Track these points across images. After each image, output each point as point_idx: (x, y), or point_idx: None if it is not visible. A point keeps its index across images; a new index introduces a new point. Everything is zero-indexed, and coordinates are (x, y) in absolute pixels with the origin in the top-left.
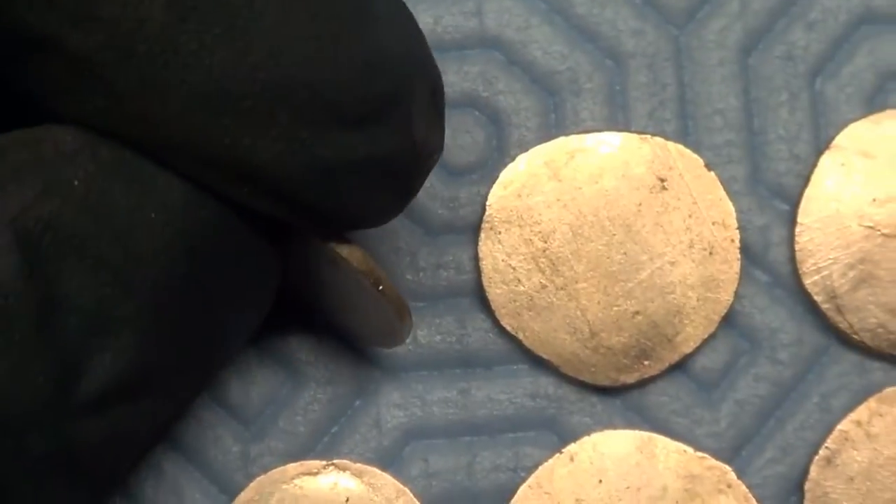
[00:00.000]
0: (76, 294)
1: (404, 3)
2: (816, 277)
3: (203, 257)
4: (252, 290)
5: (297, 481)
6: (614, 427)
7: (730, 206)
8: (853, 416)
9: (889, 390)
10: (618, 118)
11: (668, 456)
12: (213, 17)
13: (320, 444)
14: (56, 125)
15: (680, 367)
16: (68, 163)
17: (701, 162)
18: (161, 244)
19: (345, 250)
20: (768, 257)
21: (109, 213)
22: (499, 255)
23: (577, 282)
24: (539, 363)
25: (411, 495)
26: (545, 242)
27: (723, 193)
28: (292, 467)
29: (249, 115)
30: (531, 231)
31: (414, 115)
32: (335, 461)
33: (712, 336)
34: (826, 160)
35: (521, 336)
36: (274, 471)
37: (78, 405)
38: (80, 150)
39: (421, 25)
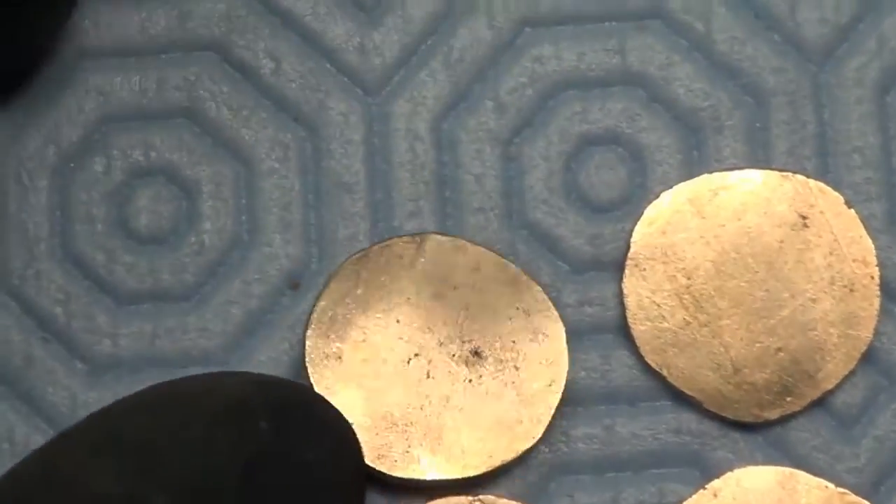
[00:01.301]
0: None
1: None
2: None
3: None
4: None
5: None
6: (756, 463)
7: (870, 244)
8: None
9: None
10: (758, 155)
11: (810, 492)
12: None
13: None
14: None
15: (820, 403)
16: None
17: (841, 199)
18: None
19: None
20: None
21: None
22: (643, 291)
23: (720, 318)
24: (682, 399)
25: None
26: (689, 279)
27: (863, 231)
28: (439, 503)
29: None
30: (675, 268)
31: None
32: (481, 497)
33: (852, 373)
34: None
35: (665, 372)
36: None
37: None
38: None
39: (564, 62)
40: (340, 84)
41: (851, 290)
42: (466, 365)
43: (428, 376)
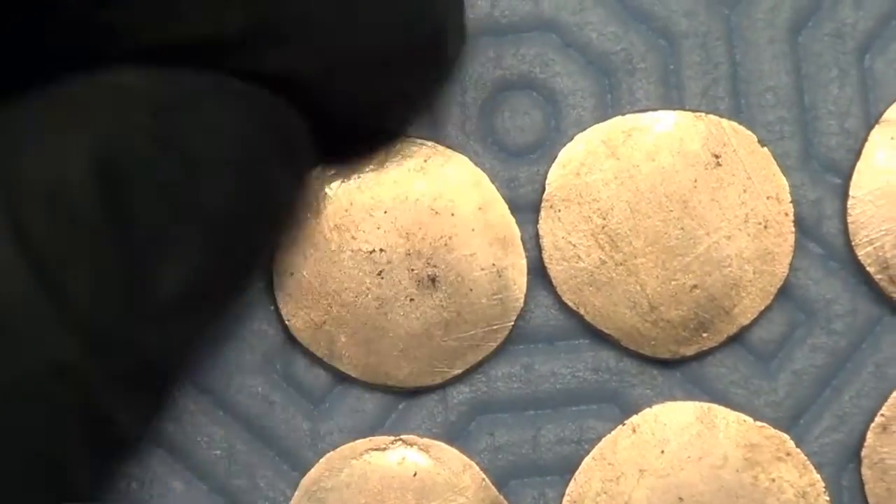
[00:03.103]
0: (144, 212)
1: None
2: (869, 249)
3: (254, 171)
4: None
5: (365, 457)
6: (675, 399)
7: (783, 181)
8: None
9: None
10: (672, 97)
11: (728, 426)
12: None
13: (388, 421)
14: (119, 67)
15: (738, 339)
16: (136, 99)
17: (754, 138)
18: (216, 165)
19: None
20: (822, 230)
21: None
22: (559, 232)
23: (636, 257)
24: (600, 337)
25: (477, 469)
26: (604, 219)
27: (776, 169)
28: (361, 443)
29: None
30: (590, 208)
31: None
32: (403, 437)
33: (769, 308)
34: (876, 134)
35: (582, 311)
36: (343, 447)
37: (151, 312)
38: (144, 88)
39: (478, 10)
40: None
41: (766, 227)
42: (418, 285)
43: (379, 274)
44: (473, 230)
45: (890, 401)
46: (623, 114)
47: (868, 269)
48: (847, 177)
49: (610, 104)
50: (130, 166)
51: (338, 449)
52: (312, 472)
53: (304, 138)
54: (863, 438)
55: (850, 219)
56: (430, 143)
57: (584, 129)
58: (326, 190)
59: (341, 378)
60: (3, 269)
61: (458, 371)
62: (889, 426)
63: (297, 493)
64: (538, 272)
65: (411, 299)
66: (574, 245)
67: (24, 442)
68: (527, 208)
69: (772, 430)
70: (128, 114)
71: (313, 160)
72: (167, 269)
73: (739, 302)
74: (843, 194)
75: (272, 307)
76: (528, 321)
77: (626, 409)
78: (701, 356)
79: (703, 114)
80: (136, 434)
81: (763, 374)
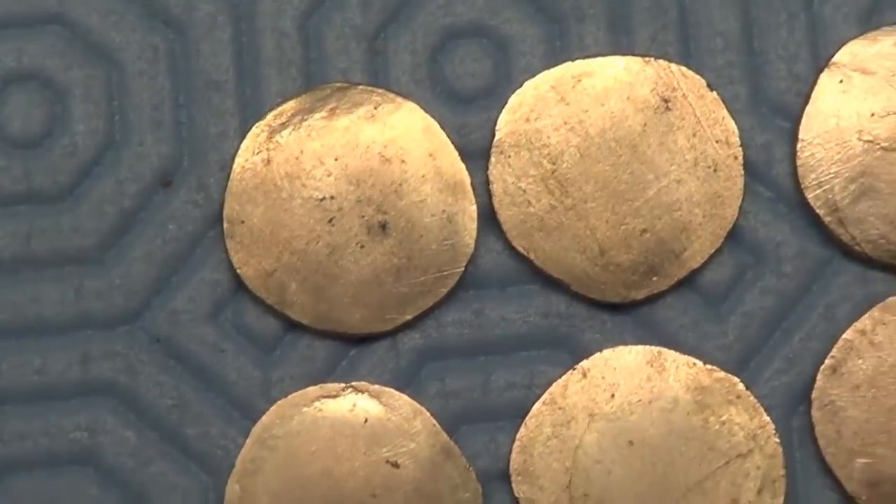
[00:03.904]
0: None
1: None
2: (818, 192)
3: None
4: None
5: (316, 404)
6: (625, 343)
7: (732, 125)
8: (857, 325)
9: (892, 299)
10: (622, 43)
11: (678, 369)
12: None
13: (339, 368)
14: None
15: (687, 282)
16: None
17: (703, 82)
18: None
19: None
20: (771, 173)
21: None
22: (509, 178)
23: (585, 202)
24: (550, 282)
25: (428, 415)
26: (554, 164)
27: (725, 112)
28: (312, 390)
29: None
30: (540, 154)
31: None
32: (353, 383)
33: (718, 251)
34: (825, 78)
35: (532, 256)
36: (294, 394)
37: None
38: None
39: None
40: None
41: (715, 171)
42: (368, 232)
43: (330, 221)
44: (424, 176)
45: (839, 343)
46: (572, 59)
47: (817, 211)
48: (796, 120)
49: (559, 50)
50: None
51: (288, 396)
52: (263, 420)
53: None
54: (812, 381)
55: (799, 162)
56: (380, 91)
57: (534, 75)
58: (277, 138)
59: (292, 326)
60: None
61: (408, 317)
62: (839, 368)
63: (248, 441)
64: (488, 218)
65: (362, 246)
66: (524, 190)
67: None
68: (477, 154)
69: (722, 373)
70: None
71: None
72: None
73: (689, 245)
74: (793, 138)
75: (223, 255)
76: (478, 267)
77: (576, 353)
78: (651, 300)
79: (652, 59)
80: None
81: (713, 318)
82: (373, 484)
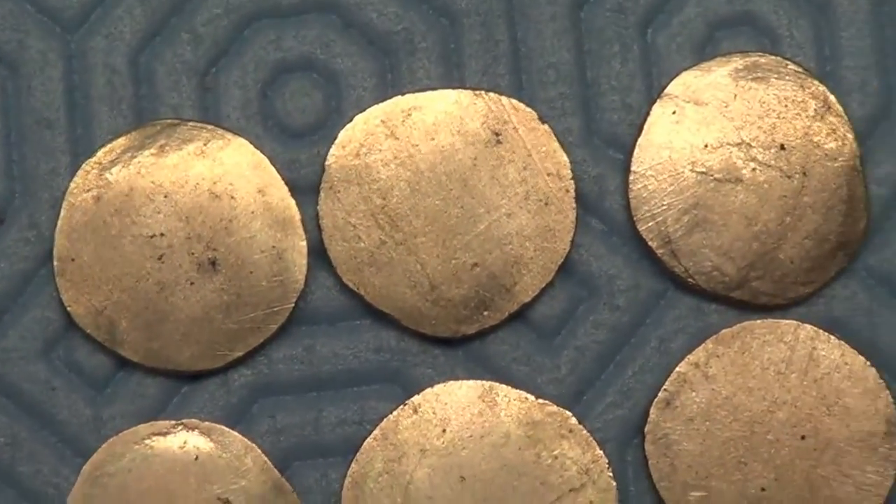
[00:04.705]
0: None
1: None
2: (651, 224)
3: None
4: None
5: (147, 441)
6: (457, 377)
7: (564, 157)
8: (691, 358)
9: (725, 332)
10: (453, 76)
11: (510, 404)
12: None
13: (171, 405)
14: None
15: (520, 316)
16: None
17: (534, 115)
18: None
19: None
20: (604, 206)
21: None
22: (339, 213)
23: (416, 237)
24: (381, 317)
25: (259, 451)
26: (384, 199)
27: (557, 145)
28: (143, 428)
29: None
30: (370, 189)
31: None
32: (184, 420)
33: (551, 285)
34: (658, 109)
35: (362, 291)
36: (125, 432)
37: None
38: None
39: None
40: (39, 23)
41: (546, 204)
42: (198, 269)
43: (160, 258)
44: (253, 213)
45: (673, 376)
46: (403, 93)
47: (650, 243)
48: (629, 152)
49: (391, 84)
50: None
51: (120, 434)
52: (94, 458)
53: None
54: (646, 414)
55: (631, 194)
56: (210, 127)
57: (365, 109)
58: (107, 175)
59: (123, 363)
60: None
61: (239, 353)
62: (672, 401)
63: (79, 480)
64: (319, 253)
65: (192, 283)
66: (354, 226)
67: None
68: (308, 190)
69: (554, 407)
70: None
71: None
72: None
73: (520, 279)
74: (625, 169)
75: (54, 293)
76: (309, 302)
77: (408, 388)
78: (483, 334)
79: (482, 92)
80: None
81: (546, 352)
82: None
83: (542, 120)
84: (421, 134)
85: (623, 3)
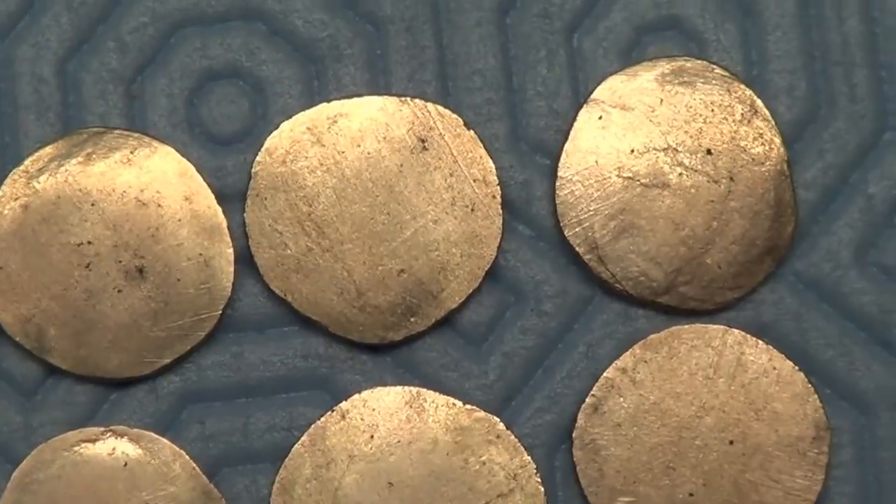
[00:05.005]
0: None
1: None
2: (578, 229)
3: None
4: None
5: (77, 448)
6: (385, 384)
7: (490, 163)
8: (618, 363)
9: (653, 337)
10: (379, 82)
11: (438, 410)
12: None
13: (100, 412)
14: None
15: (447, 322)
16: None
17: (460, 121)
18: None
19: None
20: (531, 211)
21: None
22: (265, 220)
23: (342, 243)
24: (309, 324)
25: (188, 458)
26: (310, 206)
27: (483, 151)
28: (72, 435)
29: None
30: (296, 196)
31: None
32: (113, 427)
33: (478, 291)
34: (584, 114)
35: (290, 298)
36: (54, 439)
37: None
38: None
39: (184, 0)
40: None
41: (473, 210)
42: (126, 277)
43: (87, 266)
44: (180, 220)
45: (601, 381)
46: (329, 100)
47: (577, 249)
48: (555, 157)
49: (317, 91)
50: None
51: (49, 441)
52: (24, 465)
53: None
54: (574, 420)
55: (558, 200)
56: (136, 135)
57: (291, 116)
58: (34, 184)
59: (52, 370)
60: None
61: (167, 361)
62: (600, 407)
63: (9, 486)
64: (246, 261)
65: (119, 291)
66: (280, 233)
67: None
68: (234, 197)
69: (482, 413)
70: None
71: None
72: None
73: (447, 286)
74: (552, 175)
75: None
76: (236, 310)
77: (336, 395)
78: (411, 341)
79: (408, 98)
80: None
81: (473, 357)
82: None
83: (469, 126)
84: (347, 141)
85: (549, 8)
